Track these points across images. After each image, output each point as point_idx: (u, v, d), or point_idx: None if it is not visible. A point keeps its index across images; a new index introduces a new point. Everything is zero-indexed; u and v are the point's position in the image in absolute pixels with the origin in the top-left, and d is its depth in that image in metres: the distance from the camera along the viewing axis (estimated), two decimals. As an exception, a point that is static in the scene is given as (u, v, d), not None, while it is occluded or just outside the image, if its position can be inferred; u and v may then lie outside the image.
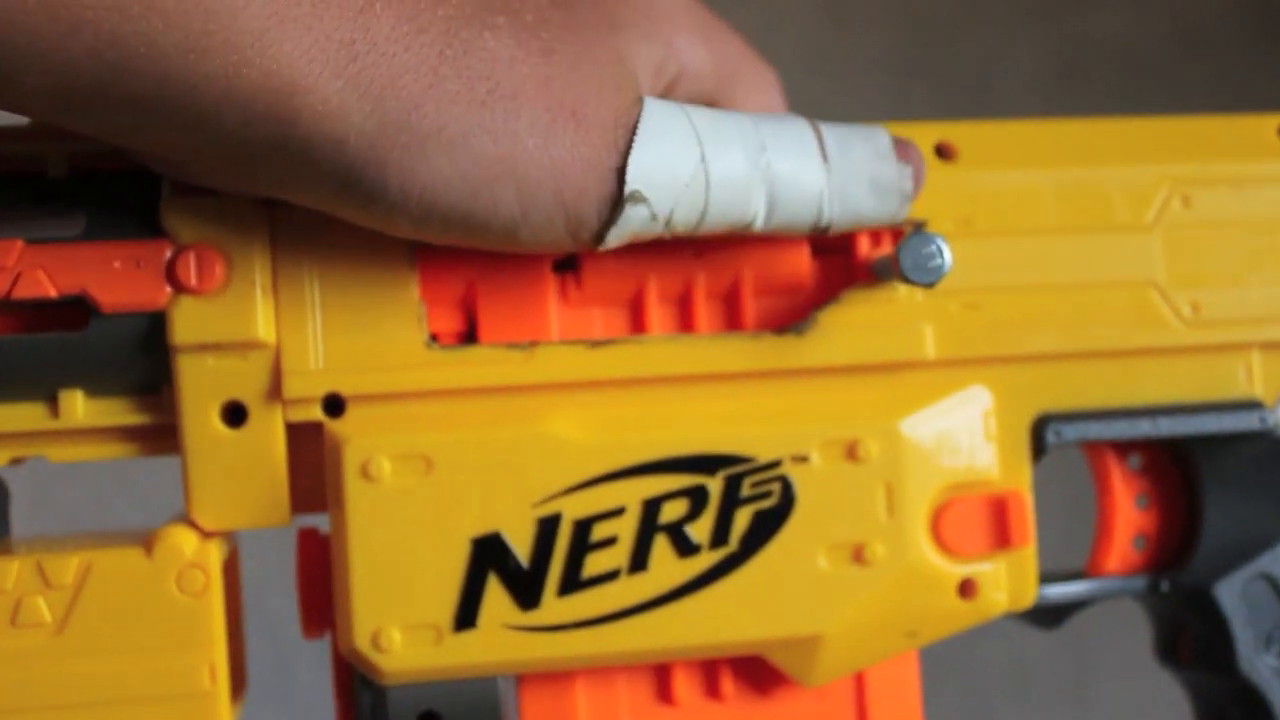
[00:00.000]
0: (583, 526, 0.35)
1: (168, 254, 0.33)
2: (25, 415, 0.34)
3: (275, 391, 0.34)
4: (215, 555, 0.34)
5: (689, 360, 0.36)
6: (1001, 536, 0.37)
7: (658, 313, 0.37)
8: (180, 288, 0.33)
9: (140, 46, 0.27)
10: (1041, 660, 1.25)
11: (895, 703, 0.38)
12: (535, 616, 0.35)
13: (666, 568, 0.35)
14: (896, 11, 1.30)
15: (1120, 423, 0.39)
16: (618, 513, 0.35)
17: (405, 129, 0.30)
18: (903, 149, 0.36)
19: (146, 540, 0.34)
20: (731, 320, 0.37)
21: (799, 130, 0.35)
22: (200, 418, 0.34)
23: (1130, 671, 1.05)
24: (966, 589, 0.37)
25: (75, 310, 0.33)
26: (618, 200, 0.32)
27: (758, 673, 0.37)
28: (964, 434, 0.37)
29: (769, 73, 0.39)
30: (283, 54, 0.28)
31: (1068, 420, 0.38)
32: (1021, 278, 0.38)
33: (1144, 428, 0.39)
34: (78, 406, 0.34)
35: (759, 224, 0.34)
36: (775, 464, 0.36)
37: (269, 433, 0.34)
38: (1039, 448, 0.38)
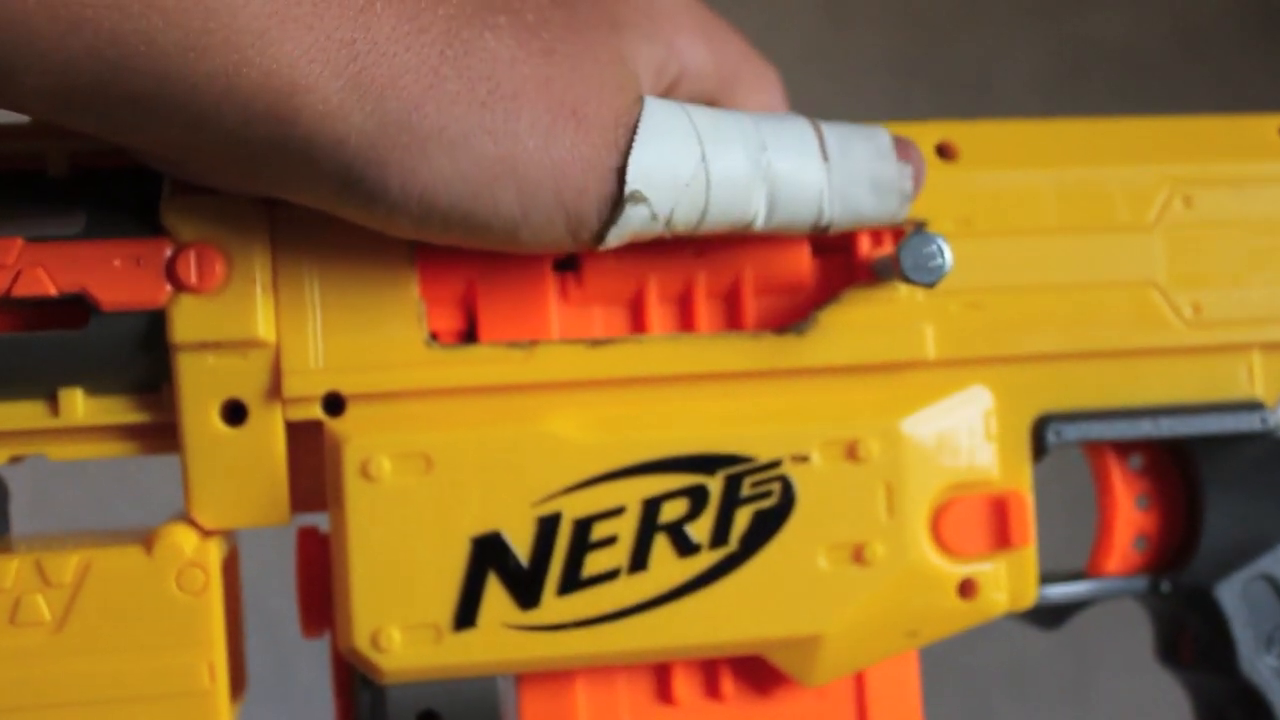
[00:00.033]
0: (583, 526, 0.35)
1: (168, 252, 0.33)
2: (25, 413, 0.34)
3: (275, 390, 0.34)
4: (215, 554, 0.34)
5: (689, 360, 0.36)
6: (1002, 537, 0.37)
7: (658, 312, 0.37)
8: (180, 286, 0.33)
9: (140, 45, 0.27)
10: (1041, 660, 1.25)
11: (895, 703, 0.38)
12: (535, 616, 0.34)
13: (666, 567, 0.35)
14: (896, 11, 1.30)
15: (1121, 423, 0.39)
16: (618, 512, 0.35)
17: (406, 129, 0.30)
18: (903, 149, 0.36)
19: (146, 539, 0.34)
20: (732, 320, 0.37)
21: (800, 129, 0.35)
22: (200, 416, 0.34)
23: (1130, 671, 1.05)
24: (967, 589, 0.37)
25: (75, 308, 0.33)
26: (618, 200, 0.32)
27: (758, 672, 0.37)
28: (964, 434, 0.37)
29: (770, 72, 0.39)
30: (283, 53, 0.28)
31: (1068, 420, 0.38)
32: (1022, 278, 0.38)
33: (1145, 428, 0.39)
34: (77, 405, 0.34)
35: (759, 223, 0.34)
36: (775, 464, 0.36)
37: (269, 431, 0.34)
38: (1040, 448, 0.38)
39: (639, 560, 0.35)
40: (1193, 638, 0.42)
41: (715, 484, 0.35)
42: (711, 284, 0.37)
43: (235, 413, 0.34)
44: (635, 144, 0.32)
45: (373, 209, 0.31)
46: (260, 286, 0.34)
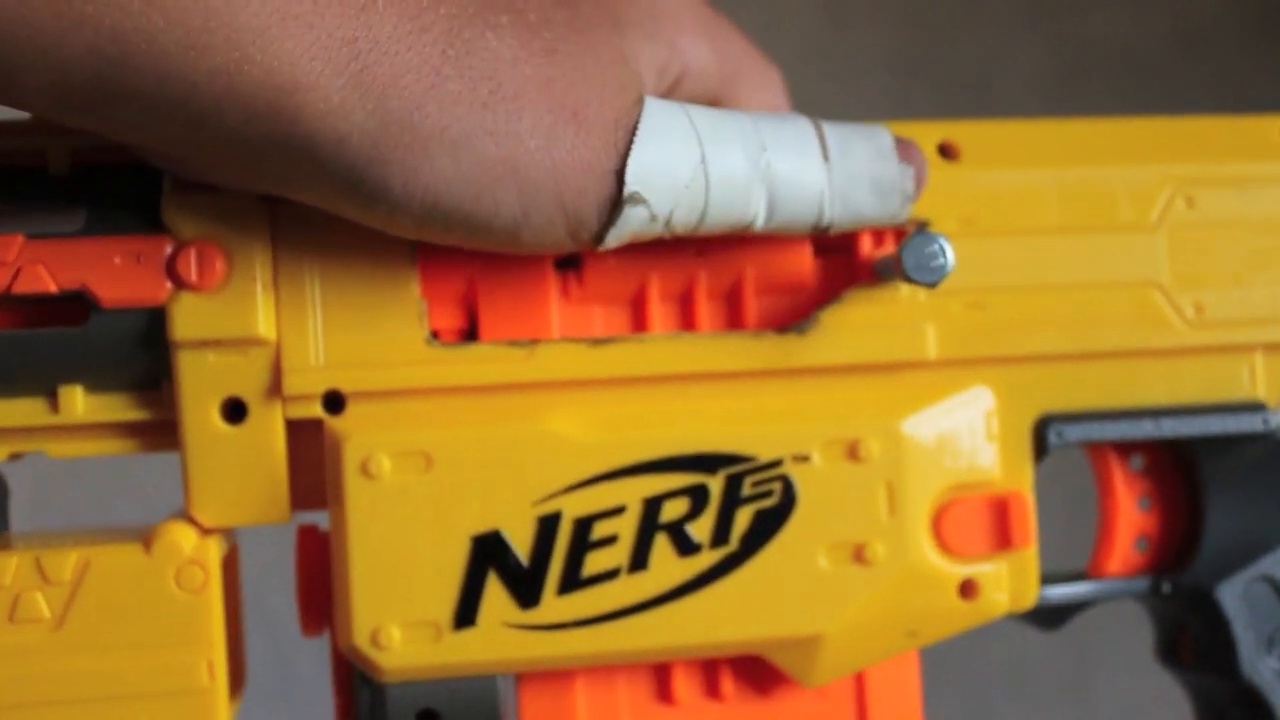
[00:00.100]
0: (583, 525, 0.35)
1: (168, 250, 0.33)
2: (25, 410, 0.34)
3: (275, 388, 0.34)
4: (214, 552, 0.34)
5: (690, 359, 0.36)
6: (1003, 537, 0.37)
7: (659, 311, 0.37)
8: (181, 284, 0.33)
9: (141, 43, 0.27)
10: (1041, 660, 1.25)
11: (895, 703, 0.38)
12: (535, 615, 0.34)
13: (667, 567, 0.35)
14: (896, 11, 1.30)
15: (1123, 423, 0.39)
16: (618, 511, 0.35)
17: (408, 129, 0.30)
18: (905, 149, 0.36)
19: (145, 537, 0.34)
20: (733, 319, 0.37)
21: (800, 129, 0.35)
22: (200, 414, 0.34)
23: (1131, 672, 1.06)
24: (967, 589, 0.37)
25: (75, 305, 0.33)
26: (617, 201, 0.32)
27: (758, 672, 0.37)
28: (966, 434, 0.37)
29: (773, 71, 0.38)
30: (284, 51, 0.28)
31: (1070, 421, 0.38)
32: (1024, 278, 0.38)
33: (1146, 429, 0.39)
34: (77, 402, 0.34)
35: (759, 224, 0.34)
36: (776, 463, 0.35)
37: (269, 429, 0.34)
38: (1041, 448, 0.38)
39: (639, 560, 0.35)
40: (1193, 639, 0.42)
41: (716, 483, 0.35)
42: (713, 283, 0.37)
43: (235, 410, 0.34)
44: (634, 145, 0.32)
45: (374, 208, 0.31)
46: (261, 284, 0.34)
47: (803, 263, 0.37)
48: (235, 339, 0.34)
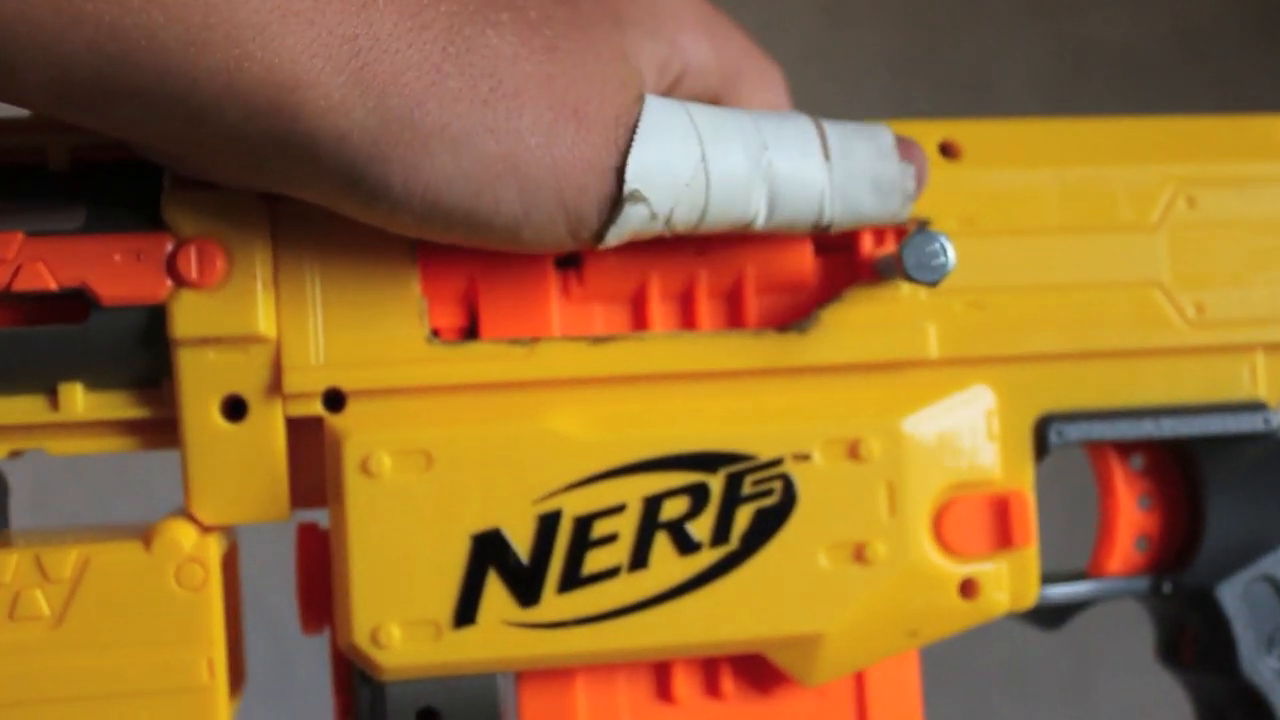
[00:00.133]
0: (583, 523, 0.35)
1: (168, 247, 0.33)
2: (25, 408, 0.34)
3: (275, 386, 0.34)
4: (214, 550, 0.34)
5: (691, 357, 0.36)
6: (1003, 536, 0.37)
7: (660, 309, 0.37)
8: (181, 281, 0.33)
9: (141, 40, 0.27)
10: (1041, 660, 1.25)
11: (895, 702, 0.38)
12: (535, 613, 0.34)
13: (667, 565, 0.35)
14: (896, 11, 1.30)
15: (1123, 423, 0.39)
16: (618, 510, 0.35)
17: (409, 126, 0.30)
18: (906, 148, 0.36)
19: (145, 534, 0.34)
20: (734, 318, 0.37)
21: (801, 128, 0.35)
22: (200, 412, 0.34)
23: (1130, 671, 1.05)
24: (968, 589, 0.37)
25: (75, 303, 0.33)
26: (617, 199, 0.32)
27: (758, 671, 0.37)
28: (966, 433, 0.37)
29: (774, 70, 0.38)
30: (284, 48, 0.28)
31: (1070, 420, 0.38)
32: (1025, 277, 0.38)
33: (1147, 428, 0.39)
34: (77, 400, 0.34)
35: (760, 223, 0.34)
36: (777, 462, 0.35)
37: (269, 427, 0.34)
38: (1041, 448, 0.38)
39: (639, 558, 0.35)
40: (1193, 638, 0.42)
41: (716, 482, 0.35)
42: (713, 282, 0.37)
43: (235, 408, 0.34)
44: (635, 143, 0.32)
45: (375, 206, 0.31)
46: (261, 282, 0.34)
47: (803, 261, 0.37)
48: (235, 337, 0.34)
